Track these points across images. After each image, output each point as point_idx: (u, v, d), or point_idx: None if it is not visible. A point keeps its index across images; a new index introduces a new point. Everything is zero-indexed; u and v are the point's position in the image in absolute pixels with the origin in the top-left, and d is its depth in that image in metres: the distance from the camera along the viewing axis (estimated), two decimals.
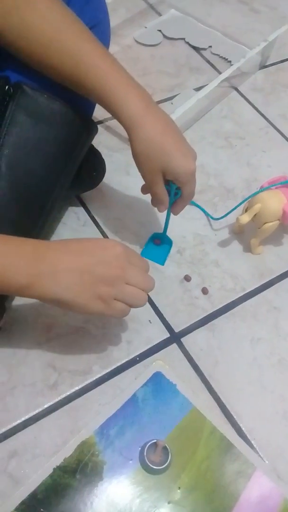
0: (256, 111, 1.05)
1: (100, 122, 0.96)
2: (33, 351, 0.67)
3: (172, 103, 1.03)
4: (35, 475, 0.58)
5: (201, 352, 0.70)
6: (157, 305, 0.74)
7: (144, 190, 0.72)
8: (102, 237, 0.81)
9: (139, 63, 1.11)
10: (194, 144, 0.65)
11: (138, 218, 0.83)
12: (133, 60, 1.12)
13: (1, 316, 0.64)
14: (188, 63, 1.13)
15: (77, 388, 0.65)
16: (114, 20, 1.07)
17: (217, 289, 0.77)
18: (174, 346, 0.70)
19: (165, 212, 0.73)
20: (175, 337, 0.71)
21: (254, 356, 0.71)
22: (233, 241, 0.83)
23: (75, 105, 0.65)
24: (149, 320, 0.72)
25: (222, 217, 0.84)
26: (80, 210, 0.83)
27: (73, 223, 0.81)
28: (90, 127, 0.70)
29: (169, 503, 0.58)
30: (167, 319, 0.73)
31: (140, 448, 0.61)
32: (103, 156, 0.81)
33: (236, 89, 1.09)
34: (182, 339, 0.71)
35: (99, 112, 0.69)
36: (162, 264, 0.78)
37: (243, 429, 0.64)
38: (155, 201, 0.70)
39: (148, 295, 0.60)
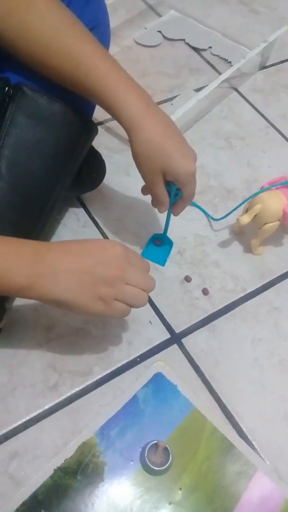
0: (256, 112, 1.05)
1: (100, 123, 0.96)
2: (34, 352, 0.67)
3: (172, 104, 1.03)
4: (36, 476, 0.58)
5: (201, 353, 0.70)
6: (157, 306, 0.74)
7: (144, 191, 0.72)
8: (102, 238, 0.81)
9: (139, 64, 1.11)
10: (194, 144, 0.65)
11: (138, 219, 0.83)
12: (133, 61, 1.12)
13: (1, 317, 0.65)
14: (188, 64, 1.13)
15: (77, 389, 0.65)
16: (114, 21, 1.08)
17: (218, 289, 0.77)
18: (174, 346, 0.70)
19: (166, 213, 0.73)
20: (175, 338, 0.71)
21: (255, 356, 0.71)
22: (233, 241, 0.83)
23: (75, 106, 0.65)
24: (150, 321, 0.72)
25: (222, 218, 0.84)
26: (80, 211, 0.83)
27: (73, 224, 0.82)
28: (90, 128, 0.70)
29: (170, 504, 0.58)
30: (167, 319, 0.73)
31: (141, 449, 0.61)
32: (103, 157, 0.81)
33: (236, 90, 1.09)
34: (183, 340, 0.71)
35: (99, 113, 0.69)
36: (163, 265, 0.78)
37: (244, 429, 0.64)
38: (155, 202, 0.70)
39: (148, 295, 0.60)
